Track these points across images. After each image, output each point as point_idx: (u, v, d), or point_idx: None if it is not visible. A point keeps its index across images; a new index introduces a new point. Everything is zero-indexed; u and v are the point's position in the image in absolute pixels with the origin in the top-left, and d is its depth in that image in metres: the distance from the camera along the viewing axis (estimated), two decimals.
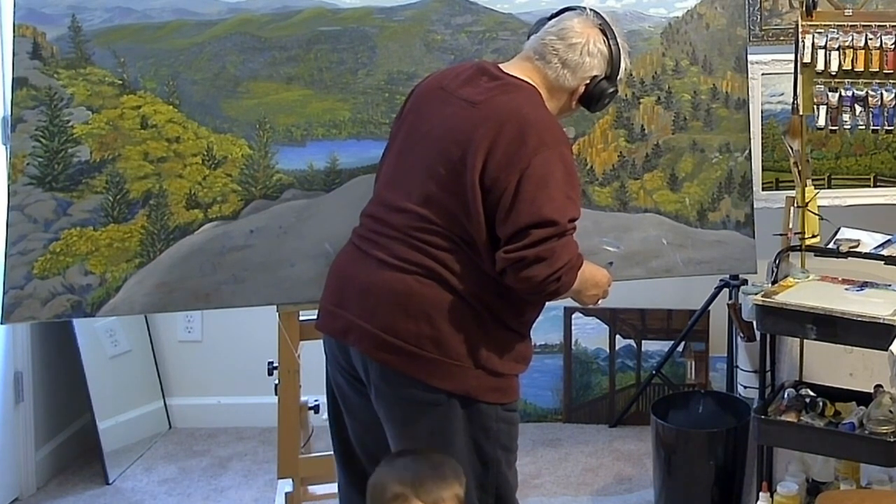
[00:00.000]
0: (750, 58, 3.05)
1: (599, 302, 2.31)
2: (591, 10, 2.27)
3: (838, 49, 2.77)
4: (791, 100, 2.90)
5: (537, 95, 2.18)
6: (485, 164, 2.05)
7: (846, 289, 2.61)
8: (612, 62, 2.24)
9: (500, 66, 2.24)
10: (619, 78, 2.29)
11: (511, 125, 2.07)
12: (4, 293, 2.50)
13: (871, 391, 2.64)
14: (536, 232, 2.00)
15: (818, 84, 2.81)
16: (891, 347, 2.36)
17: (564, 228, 2.02)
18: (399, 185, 2.20)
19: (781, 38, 3.50)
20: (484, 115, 2.10)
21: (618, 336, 3.81)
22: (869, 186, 3.34)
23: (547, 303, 2.20)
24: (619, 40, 2.26)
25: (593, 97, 2.26)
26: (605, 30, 2.24)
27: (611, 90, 2.27)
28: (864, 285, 2.62)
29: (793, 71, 2.87)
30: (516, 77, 2.19)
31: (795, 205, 2.89)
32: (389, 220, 2.17)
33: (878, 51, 2.76)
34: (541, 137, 2.06)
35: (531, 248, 2.00)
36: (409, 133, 2.24)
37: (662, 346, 3.74)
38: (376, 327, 2.10)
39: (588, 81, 2.24)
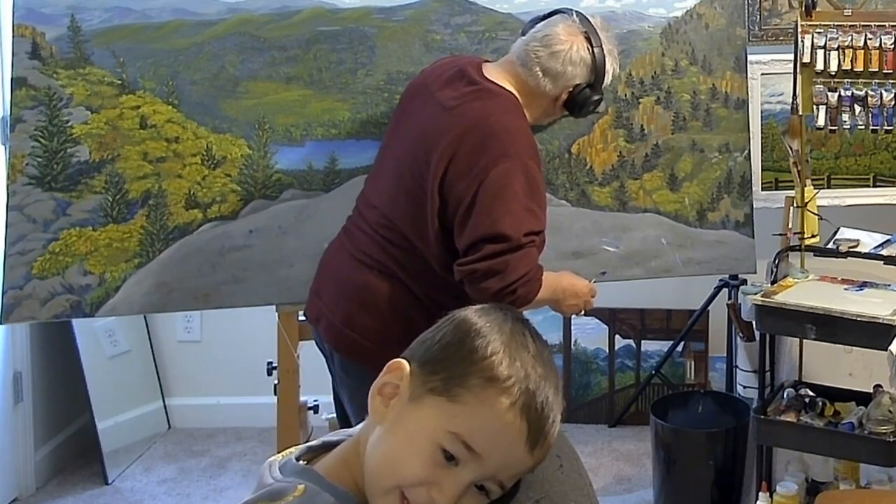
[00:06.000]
0: (749, 58, 3.05)
1: (583, 312, 2.32)
2: (577, 14, 2.24)
3: (838, 49, 2.77)
4: (790, 100, 2.90)
5: (513, 103, 2.15)
6: (445, 171, 2.04)
7: (845, 289, 2.60)
8: (596, 70, 2.21)
9: (484, 66, 2.22)
10: (604, 85, 2.26)
11: (475, 134, 2.05)
12: (3, 293, 2.50)
13: (871, 391, 2.64)
14: (490, 246, 1.98)
15: (817, 84, 2.80)
16: (890, 347, 2.36)
17: (519, 243, 1.99)
18: (376, 180, 2.25)
19: (781, 38, 3.50)
20: (453, 122, 2.09)
21: (617, 336, 3.81)
22: (868, 186, 3.34)
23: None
24: (606, 46, 2.22)
25: (576, 104, 2.24)
26: (591, 36, 2.20)
27: (595, 98, 2.24)
28: (863, 285, 2.62)
29: (792, 71, 2.86)
30: (494, 83, 2.16)
31: (795, 205, 2.89)
32: (365, 214, 2.22)
33: (877, 51, 2.76)
34: (503, 148, 2.03)
35: (483, 262, 1.98)
36: (393, 130, 2.28)
37: (662, 345, 3.73)
38: (338, 319, 2.16)
39: (571, 89, 2.21)
